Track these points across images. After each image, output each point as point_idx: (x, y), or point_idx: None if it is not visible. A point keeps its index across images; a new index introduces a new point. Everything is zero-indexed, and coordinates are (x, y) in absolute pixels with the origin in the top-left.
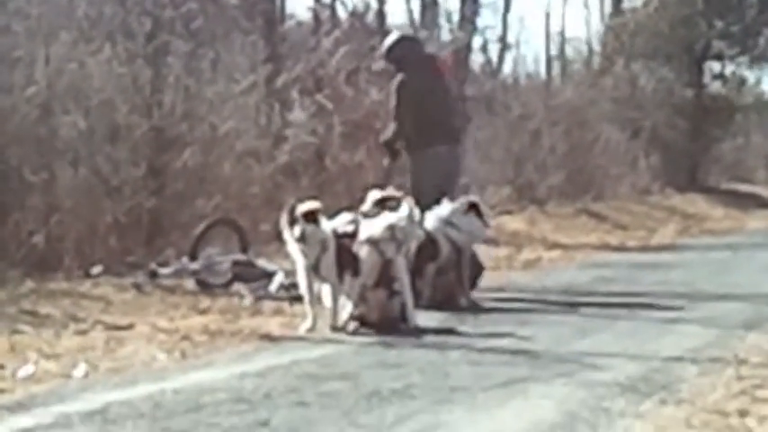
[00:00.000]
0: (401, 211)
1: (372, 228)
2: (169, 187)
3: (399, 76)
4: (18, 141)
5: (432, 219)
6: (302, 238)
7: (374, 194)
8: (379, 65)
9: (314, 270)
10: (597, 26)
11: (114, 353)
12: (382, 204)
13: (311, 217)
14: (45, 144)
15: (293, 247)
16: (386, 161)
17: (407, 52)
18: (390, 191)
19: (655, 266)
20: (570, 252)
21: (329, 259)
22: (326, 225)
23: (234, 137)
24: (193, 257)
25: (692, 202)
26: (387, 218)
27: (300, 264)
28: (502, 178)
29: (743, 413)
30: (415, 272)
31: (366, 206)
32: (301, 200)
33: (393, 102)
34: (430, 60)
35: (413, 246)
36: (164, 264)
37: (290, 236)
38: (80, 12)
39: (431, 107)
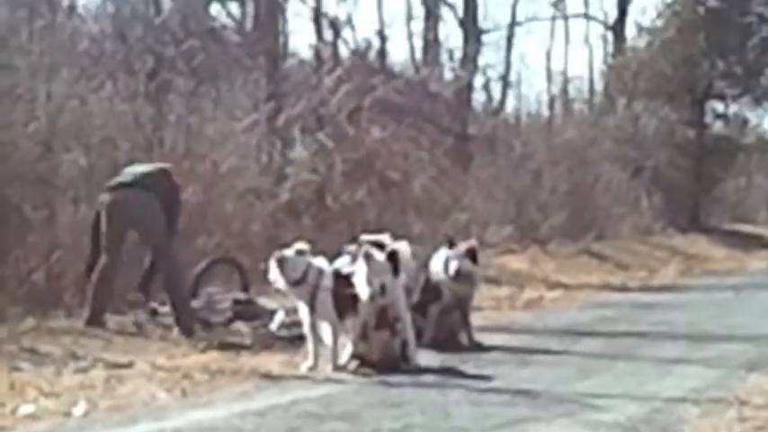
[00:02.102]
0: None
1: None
2: None
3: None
4: (19, 178)
5: (435, 262)
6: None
7: (363, 238)
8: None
9: (310, 309)
10: (599, 65)
11: (114, 391)
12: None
13: None
14: (46, 181)
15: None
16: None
17: (155, 175)
18: (381, 236)
19: (656, 307)
20: (572, 292)
21: (324, 299)
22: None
23: (235, 175)
24: (194, 296)
25: (694, 242)
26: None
27: (302, 304)
28: (504, 217)
29: None
30: (418, 311)
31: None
32: (300, 239)
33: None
34: (167, 176)
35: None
36: (164, 302)
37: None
38: (81, 48)
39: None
